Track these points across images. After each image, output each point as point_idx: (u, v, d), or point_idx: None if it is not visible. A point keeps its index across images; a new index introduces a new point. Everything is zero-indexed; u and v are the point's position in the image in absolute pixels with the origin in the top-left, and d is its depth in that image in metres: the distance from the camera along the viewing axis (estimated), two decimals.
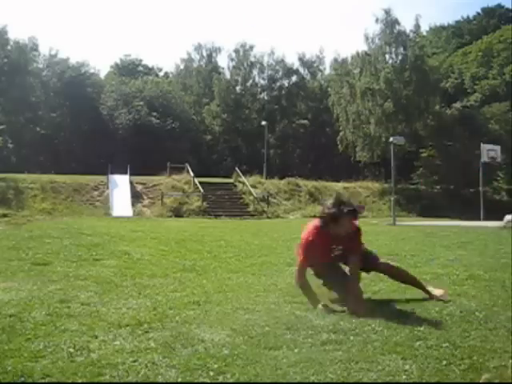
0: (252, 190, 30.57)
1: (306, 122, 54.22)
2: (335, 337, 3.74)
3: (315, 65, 59.55)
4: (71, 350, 3.44)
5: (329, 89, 50.36)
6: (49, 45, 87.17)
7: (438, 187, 37.80)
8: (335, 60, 50.44)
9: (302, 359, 3.27)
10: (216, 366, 3.16)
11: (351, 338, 3.72)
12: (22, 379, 2.96)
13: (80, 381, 2.97)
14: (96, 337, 3.76)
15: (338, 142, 44.94)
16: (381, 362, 3.23)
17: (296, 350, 3.46)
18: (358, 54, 45.45)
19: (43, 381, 2.95)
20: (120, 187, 29.21)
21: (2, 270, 6.74)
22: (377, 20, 43.55)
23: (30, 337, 3.74)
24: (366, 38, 44.42)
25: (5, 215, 22.71)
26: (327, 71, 59.02)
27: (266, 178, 35.50)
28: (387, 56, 44.47)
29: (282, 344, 3.55)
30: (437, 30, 62.16)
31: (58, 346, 3.51)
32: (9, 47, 49.88)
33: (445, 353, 3.38)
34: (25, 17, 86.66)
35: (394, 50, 44.07)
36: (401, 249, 9.68)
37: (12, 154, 46.35)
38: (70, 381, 2.97)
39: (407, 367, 3.13)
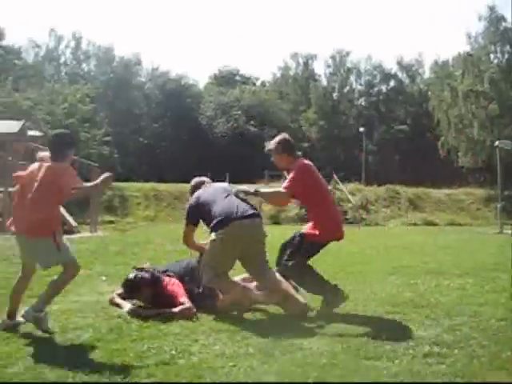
0: (350, 197, 30.06)
1: (405, 127, 52.96)
2: (438, 349, 3.59)
3: (414, 68, 58.10)
4: (173, 352, 3.54)
5: (429, 92, 48.92)
6: (151, 59, 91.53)
7: None
8: (435, 62, 49.04)
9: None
10: None
11: (455, 351, 3.55)
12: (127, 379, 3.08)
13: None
14: (196, 340, 3.84)
15: (440, 147, 43.48)
16: (488, 378, 3.05)
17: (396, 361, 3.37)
18: (459, 54, 43.85)
19: (147, 381, 3.05)
20: None
21: (111, 273, 7.09)
22: (480, 18, 41.88)
23: (136, 338, 3.90)
24: (469, 38, 42.84)
25: (111, 222, 23.96)
26: (426, 75, 57.45)
27: (365, 185, 34.89)
28: (492, 55, 42.55)
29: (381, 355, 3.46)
30: None
31: (161, 348, 3.63)
32: (115, 63, 52.73)
33: None
34: (129, 35, 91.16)
35: (499, 48, 42.07)
36: (508, 259, 9.12)
37: (118, 163, 48.68)
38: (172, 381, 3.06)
39: None
